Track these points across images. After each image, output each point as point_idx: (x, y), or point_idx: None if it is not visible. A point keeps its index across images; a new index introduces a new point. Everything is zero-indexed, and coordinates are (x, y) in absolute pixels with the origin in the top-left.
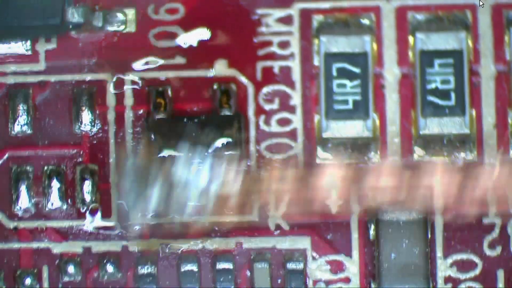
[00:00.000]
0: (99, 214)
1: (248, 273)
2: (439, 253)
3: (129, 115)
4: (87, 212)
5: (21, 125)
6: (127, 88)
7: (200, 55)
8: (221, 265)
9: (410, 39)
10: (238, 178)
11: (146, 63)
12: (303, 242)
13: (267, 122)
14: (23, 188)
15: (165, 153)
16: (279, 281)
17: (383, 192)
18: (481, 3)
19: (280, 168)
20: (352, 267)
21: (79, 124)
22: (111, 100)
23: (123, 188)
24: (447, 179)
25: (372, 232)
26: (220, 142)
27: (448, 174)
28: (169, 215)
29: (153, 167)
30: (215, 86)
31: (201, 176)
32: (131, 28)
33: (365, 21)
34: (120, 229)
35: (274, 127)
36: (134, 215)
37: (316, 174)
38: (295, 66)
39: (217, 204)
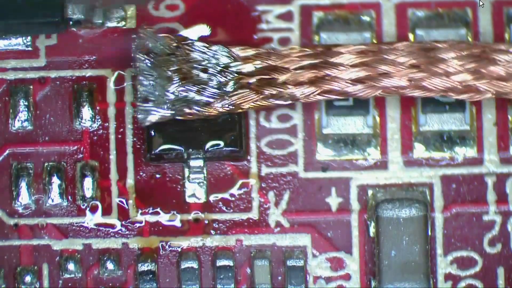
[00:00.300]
0: (99, 211)
1: (248, 270)
2: (439, 250)
3: (129, 111)
4: (87, 209)
5: (21, 121)
6: (128, 84)
7: None
8: (221, 263)
9: (410, 36)
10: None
11: None
12: (303, 240)
13: (267, 119)
14: (23, 185)
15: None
16: (279, 278)
17: (401, 72)
18: (481, 3)
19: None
20: (353, 264)
21: (79, 120)
22: (111, 96)
23: (142, 73)
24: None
25: (372, 229)
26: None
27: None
28: (189, 98)
29: (171, 53)
30: None
31: (219, 57)
32: (131, 24)
33: (365, 18)
34: None
35: (275, 123)
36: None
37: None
38: None
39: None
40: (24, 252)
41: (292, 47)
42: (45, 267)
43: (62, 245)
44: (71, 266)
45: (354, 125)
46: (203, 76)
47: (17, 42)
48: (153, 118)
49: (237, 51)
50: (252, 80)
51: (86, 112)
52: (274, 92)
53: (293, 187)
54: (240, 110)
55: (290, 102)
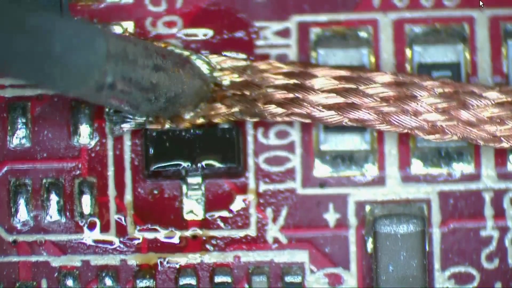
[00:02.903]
0: (97, 228)
1: (247, 287)
2: (437, 265)
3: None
4: (86, 225)
5: (19, 138)
6: None
7: None
8: (219, 279)
9: (408, 51)
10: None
11: None
12: (301, 256)
13: (265, 135)
14: (21, 202)
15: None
16: None
17: (369, 104)
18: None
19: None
20: (350, 279)
21: (77, 137)
22: None
23: None
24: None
25: (370, 245)
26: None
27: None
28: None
29: None
30: None
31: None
32: None
33: (363, 34)
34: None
35: (272, 140)
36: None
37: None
38: None
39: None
40: (23, 268)
41: (270, 62)
42: (44, 283)
43: (61, 262)
44: (69, 282)
45: (351, 141)
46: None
47: None
48: (125, 127)
49: (216, 61)
50: (225, 93)
51: (84, 129)
52: (243, 108)
53: (291, 203)
54: (210, 122)
55: (258, 119)
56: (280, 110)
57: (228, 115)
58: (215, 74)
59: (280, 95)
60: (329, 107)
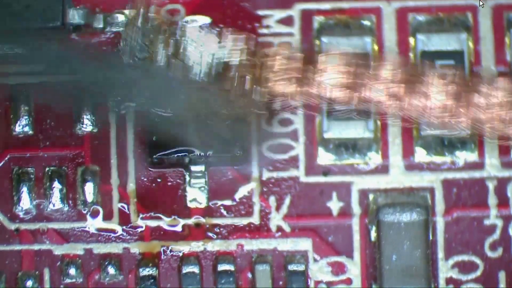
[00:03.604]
0: (100, 216)
1: (250, 275)
2: (440, 254)
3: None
4: (88, 214)
5: (22, 126)
6: None
7: None
8: (222, 267)
9: (411, 40)
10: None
11: None
12: (305, 244)
13: (268, 123)
14: (24, 190)
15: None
16: (280, 283)
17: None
18: (481, 3)
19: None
20: (354, 268)
21: (80, 125)
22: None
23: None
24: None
25: (373, 233)
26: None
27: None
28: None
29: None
30: None
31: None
32: None
33: (366, 22)
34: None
35: (276, 128)
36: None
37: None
38: None
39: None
40: (25, 257)
41: (277, 51)
42: (46, 271)
43: (63, 250)
44: (72, 271)
45: (355, 129)
46: (189, 61)
47: None
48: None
49: (227, 40)
50: (233, 72)
51: (87, 117)
52: (252, 87)
53: (294, 192)
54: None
55: (266, 100)
56: (289, 88)
57: (239, 89)
58: (225, 52)
59: (289, 76)
60: (338, 86)
